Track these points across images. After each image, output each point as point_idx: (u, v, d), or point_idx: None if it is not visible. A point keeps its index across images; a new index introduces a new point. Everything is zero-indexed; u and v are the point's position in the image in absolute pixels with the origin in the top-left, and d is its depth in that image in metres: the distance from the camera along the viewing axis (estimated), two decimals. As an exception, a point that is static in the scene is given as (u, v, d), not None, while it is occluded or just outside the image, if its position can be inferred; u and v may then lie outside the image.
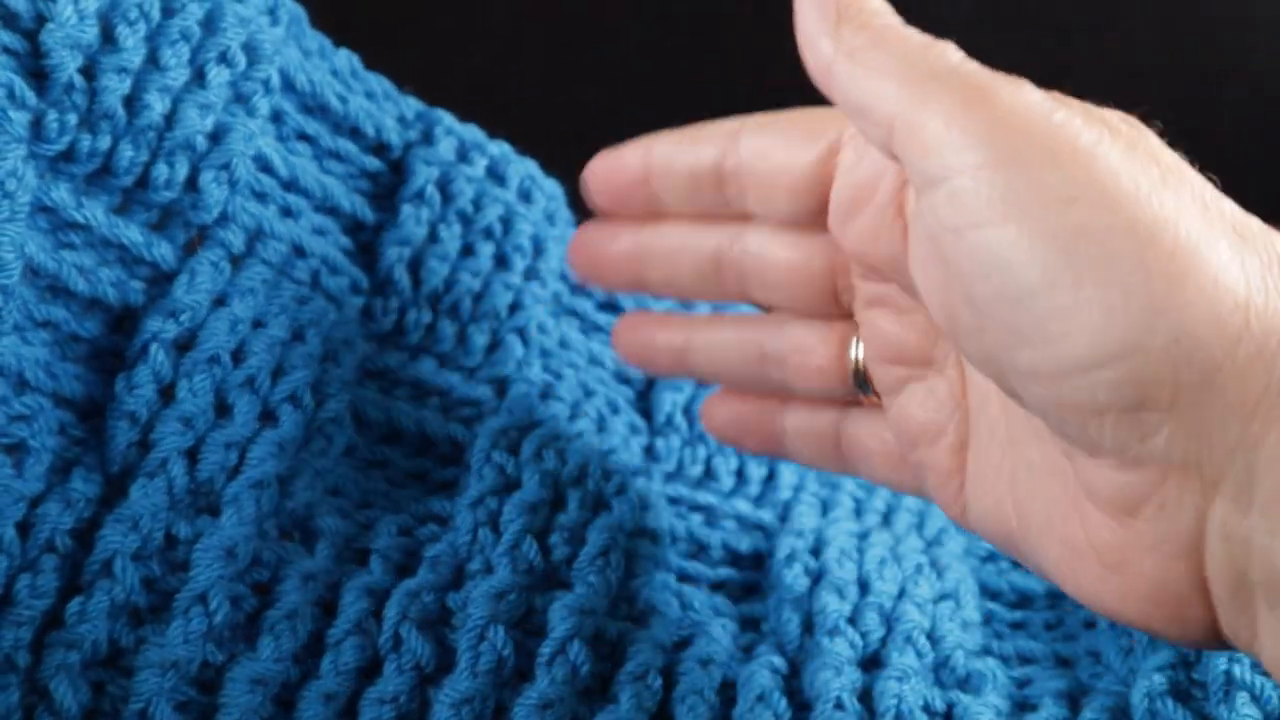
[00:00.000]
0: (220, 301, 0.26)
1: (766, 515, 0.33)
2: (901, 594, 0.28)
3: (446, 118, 0.31)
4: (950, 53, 0.21)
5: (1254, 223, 0.20)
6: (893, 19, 0.22)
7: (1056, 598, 0.32)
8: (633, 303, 0.34)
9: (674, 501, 0.32)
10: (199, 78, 0.26)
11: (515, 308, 0.31)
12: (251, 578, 0.25)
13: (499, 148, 0.32)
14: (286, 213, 0.28)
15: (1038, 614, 0.32)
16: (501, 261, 0.31)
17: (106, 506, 0.24)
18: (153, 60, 0.25)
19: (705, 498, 0.33)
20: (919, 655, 0.27)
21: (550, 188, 0.32)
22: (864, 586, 0.28)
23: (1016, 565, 0.32)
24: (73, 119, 0.24)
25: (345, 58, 0.30)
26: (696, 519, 0.32)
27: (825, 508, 0.33)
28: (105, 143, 0.25)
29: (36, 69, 0.24)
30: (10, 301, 0.23)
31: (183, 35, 0.25)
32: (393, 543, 0.27)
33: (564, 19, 0.48)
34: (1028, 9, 0.50)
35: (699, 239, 0.27)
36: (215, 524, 0.25)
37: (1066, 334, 0.19)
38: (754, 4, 0.50)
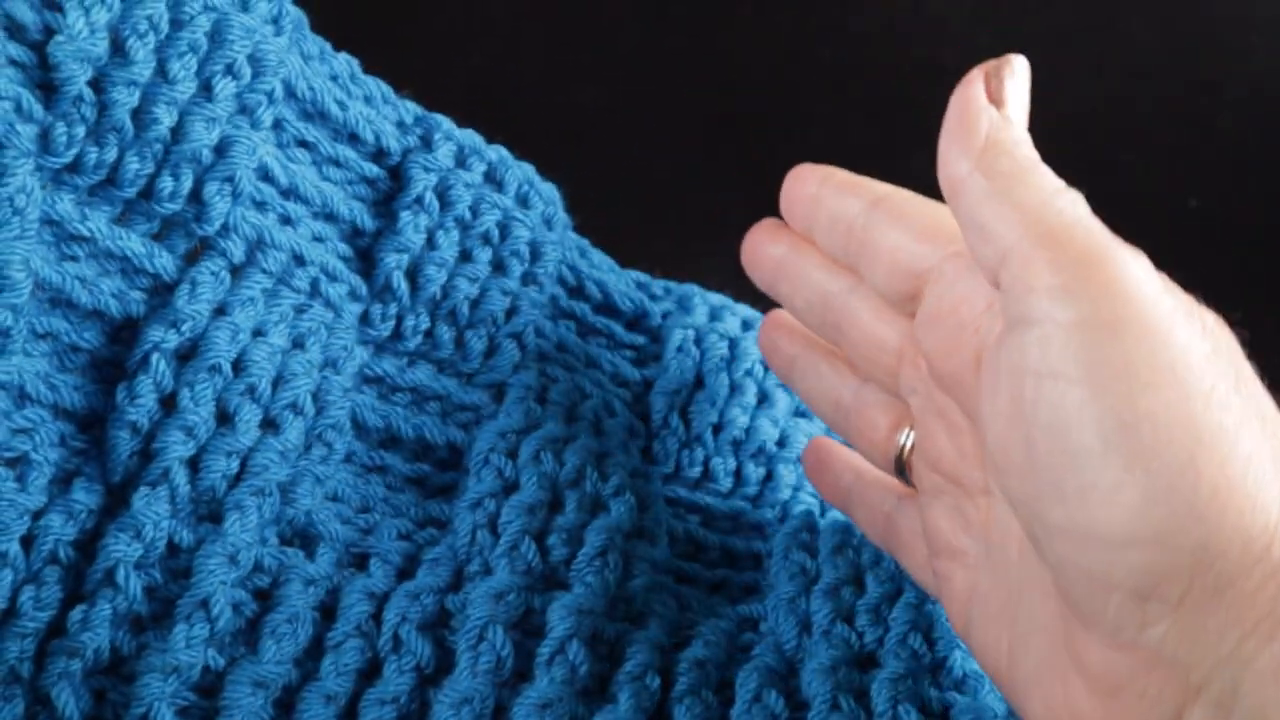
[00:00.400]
0: (221, 311, 0.26)
1: (767, 515, 0.33)
2: (897, 594, 0.28)
3: (445, 123, 0.31)
4: (1079, 204, 0.21)
5: None
6: (1032, 152, 0.23)
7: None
8: (630, 305, 0.34)
9: (672, 503, 0.32)
10: (206, 90, 0.26)
11: (512, 313, 0.31)
12: (253, 584, 0.25)
13: (497, 153, 0.32)
14: (285, 220, 0.28)
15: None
16: (499, 267, 0.31)
17: (108, 516, 0.25)
18: (161, 73, 0.25)
19: (703, 499, 0.33)
20: (916, 656, 0.27)
21: (548, 192, 0.32)
22: (860, 587, 0.29)
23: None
24: (80, 131, 0.24)
25: (345, 62, 0.30)
26: (694, 520, 0.33)
27: (824, 509, 0.33)
28: (112, 155, 0.25)
29: (43, 81, 0.24)
30: (20, 319, 0.24)
31: (191, 48, 0.25)
32: (392, 547, 0.28)
33: (563, 19, 0.48)
34: (1028, 9, 0.50)
35: (822, 277, 0.28)
36: (217, 531, 0.25)
37: (1104, 506, 0.20)
38: (754, 4, 0.50)
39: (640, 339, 0.34)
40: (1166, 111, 0.50)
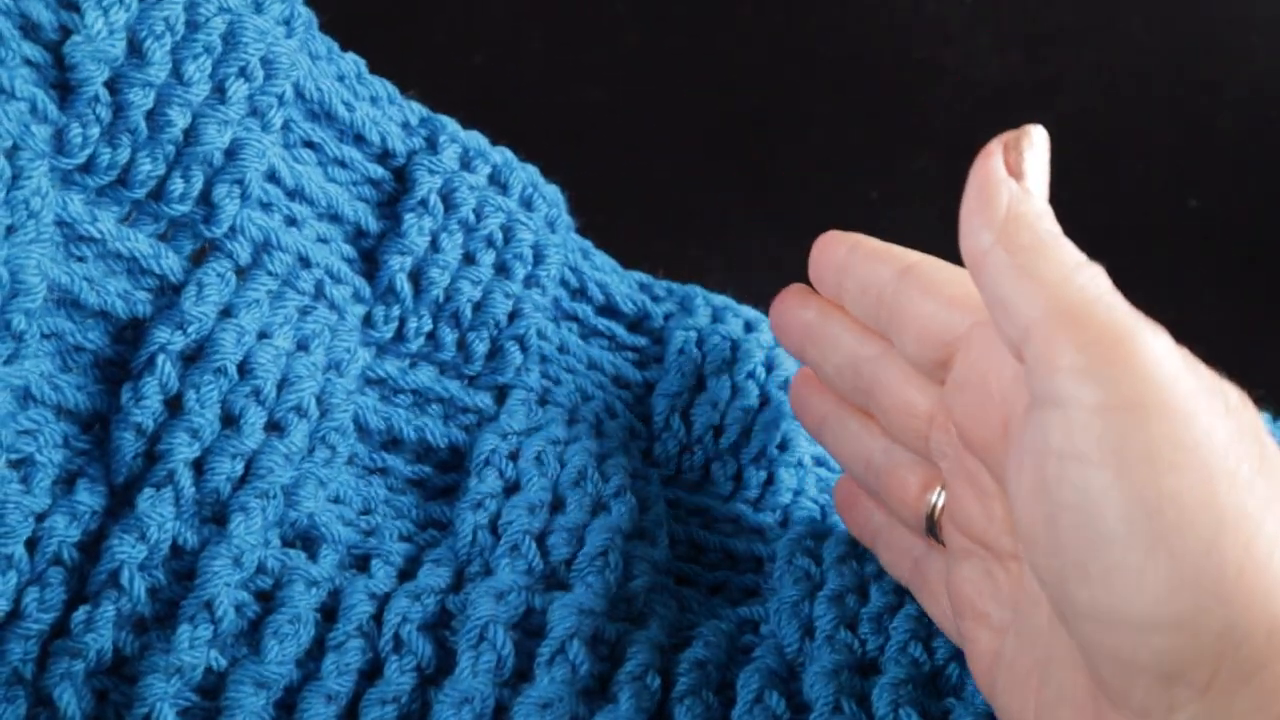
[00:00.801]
0: (227, 313, 0.26)
1: (767, 519, 0.33)
2: (899, 606, 0.28)
3: (451, 124, 0.31)
4: (1100, 280, 0.21)
5: None
6: (1054, 225, 0.22)
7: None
8: (632, 307, 0.34)
9: (672, 504, 0.33)
10: (219, 92, 0.26)
11: (515, 315, 0.31)
12: (255, 585, 0.26)
13: (502, 155, 0.32)
14: (291, 222, 0.28)
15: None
16: (502, 269, 0.31)
17: (112, 517, 0.25)
18: (176, 74, 0.25)
19: (703, 501, 0.33)
20: (917, 664, 0.27)
21: (551, 194, 0.32)
22: (864, 596, 0.29)
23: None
24: (95, 132, 0.24)
25: (352, 62, 0.30)
26: (695, 522, 0.33)
27: (824, 514, 0.33)
28: (124, 156, 0.25)
29: (58, 80, 0.24)
30: (33, 323, 0.24)
31: (206, 49, 0.25)
32: (394, 548, 0.28)
33: (564, 19, 0.48)
34: (1028, 9, 0.50)
35: (852, 342, 0.28)
36: (221, 533, 0.25)
37: (1129, 589, 0.19)
38: (754, 4, 0.50)
39: (642, 340, 0.34)
40: (1166, 111, 0.50)
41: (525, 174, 0.32)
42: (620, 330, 0.34)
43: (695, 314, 0.35)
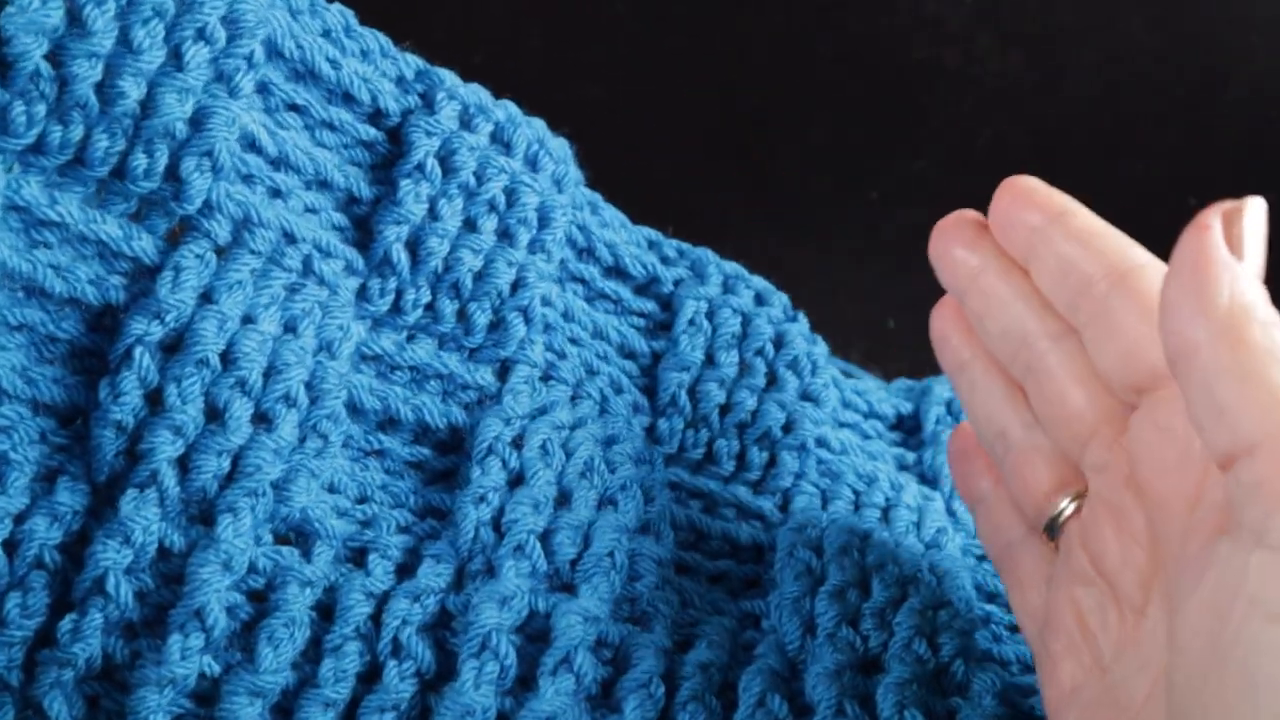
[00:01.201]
0: (207, 298, 0.25)
1: (766, 504, 0.32)
2: (902, 599, 0.28)
3: (449, 78, 0.29)
4: None
5: None
6: None
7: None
8: (641, 269, 0.33)
9: (674, 487, 0.32)
10: (175, 58, 0.24)
11: (518, 285, 0.29)
12: (247, 585, 0.25)
13: (504, 110, 0.29)
14: (275, 193, 0.26)
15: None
16: (505, 235, 0.29)
17: (94, 518, 0.24)
18: (124, 42, 0.23)
19: (705, 483, 0.32)
20: (921, 661, 0.27)
21: (558, 150, 0.30)
22: (865, 590, 0.28)
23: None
24: (41, 109, 0.22)
25: (338, 14, 0.27)
26: (696, 505, 0.32)
27: (825, 499, 0.33)
28: (77, 133, 0.23)
29: None
30: None
31: (156, 12, 0.23)
32: (391, 541, 0.27)
33: (564, 18, 0.47)
34: (1028, 9, 0.50)
35: (1024, 312, 0.25)
36: (209, 534, 0.24)
37: None
38: (754, 4, 0.50)
39: (650, 304, 0.33)
40: (1166, 111, 0.50)
41: (530, 130, 0.29)
42: (627, 293, 0.33)
43: (707, 281, 0.33)
